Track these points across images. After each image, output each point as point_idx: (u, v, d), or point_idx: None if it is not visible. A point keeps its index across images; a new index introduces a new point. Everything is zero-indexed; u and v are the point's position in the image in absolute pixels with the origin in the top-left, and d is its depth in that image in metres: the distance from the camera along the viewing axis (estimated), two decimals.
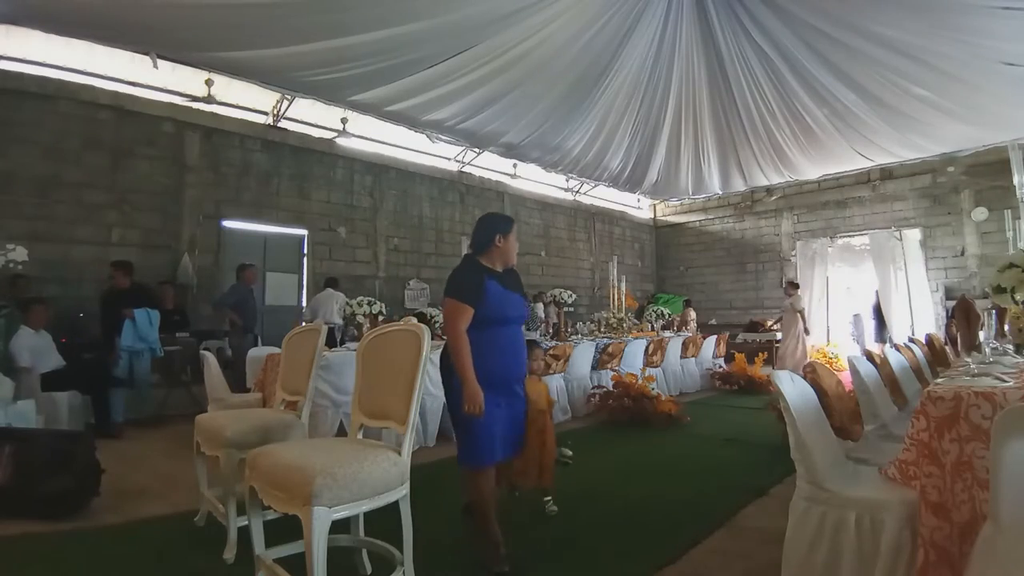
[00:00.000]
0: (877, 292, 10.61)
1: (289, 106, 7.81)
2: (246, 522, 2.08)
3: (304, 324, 3.33)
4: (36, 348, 4.87)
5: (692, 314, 11.11)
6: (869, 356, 3.34)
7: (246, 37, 5.95)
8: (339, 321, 7.22)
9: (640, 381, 5.84)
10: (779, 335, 11.26)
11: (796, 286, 9.79)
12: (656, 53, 7.74)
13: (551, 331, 7.29)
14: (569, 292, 6.93)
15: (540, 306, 9.28)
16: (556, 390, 5.89)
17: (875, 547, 1.70)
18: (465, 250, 6.47)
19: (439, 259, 9.95)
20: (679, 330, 9.53)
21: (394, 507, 1.90)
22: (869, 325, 10.84)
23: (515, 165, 10.82)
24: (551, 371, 5.81)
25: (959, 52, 6.32)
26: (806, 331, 9.16)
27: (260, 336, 6.84)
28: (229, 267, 7.40)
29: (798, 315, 9.16)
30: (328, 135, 8.57)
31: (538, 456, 2.91)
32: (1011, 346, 2.82)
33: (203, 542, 2.61)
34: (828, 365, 3.51)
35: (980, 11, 5.56)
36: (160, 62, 6.14)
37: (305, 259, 8.36)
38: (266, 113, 7.92)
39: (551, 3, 6.23)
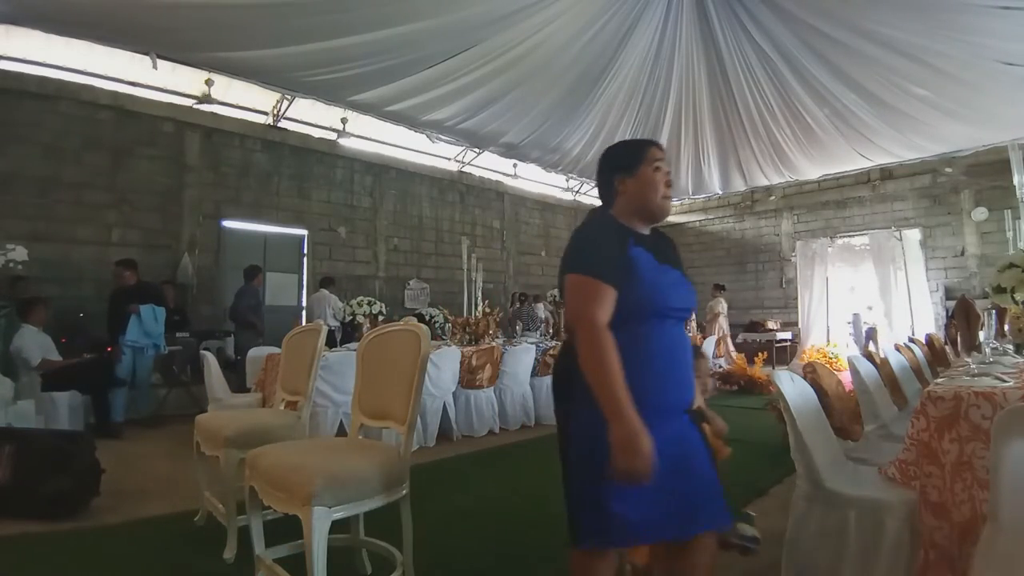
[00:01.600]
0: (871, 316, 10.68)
1: (289, 106, 7.81)
2: (246, 522, 2.08)
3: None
4: (40, 346, 4.88)
5: (723, 305, 10.31)
6: (869, 356, 3.34)
7: (246, 37, 5.96)
8: (333, 323, 7.22)
9: None
10: (779, 335, 11.32)
11: (719, 288, 10.34)
12: (656, 53, 7.74)
13: (551, 331, 7.28)
14: None
15: (541, 307, 9.29)
16: None
17: (875, 547, 1.70)
18: (464, 250, 6.54)
19: (439, 259, 9.95)
20: (707, 328, 9.61)
21: (394, 507, 1.89)
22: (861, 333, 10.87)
23: (515, 165, 10.82)
24: (551, 371, 5.80)
25: (959, 52, 6.32)
26: (705, 333, 9.56)
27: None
28: (229, 267, 7.40)
29: (716, 317, 9.75)
30: (328, 135, 8.58)
31: None
32: (1011, 346, 2.82)
33: (203, 542, 2.61)
34: (828, 365, 3.51)
35: (980, 11, 5.56)
36: (160, 62, 6.14)
37: (305, 259, 8.37)
38: (266, 113, 7.92)
39: (551, 3, 6.24)
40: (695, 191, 12.56)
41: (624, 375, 1.29)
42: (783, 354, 11.14)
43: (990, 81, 6.82)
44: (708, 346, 8.85)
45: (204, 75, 6.94)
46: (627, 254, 1.44)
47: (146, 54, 6.02)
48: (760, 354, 8.44)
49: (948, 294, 10.10)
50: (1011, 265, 2.73)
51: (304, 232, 8.34)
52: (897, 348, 3.95)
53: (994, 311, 2.82)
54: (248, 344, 6.13)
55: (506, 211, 11.28)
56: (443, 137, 8.89)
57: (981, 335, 2.90)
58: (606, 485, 1.31)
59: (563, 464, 1.47)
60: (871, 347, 5.95)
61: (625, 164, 1.56)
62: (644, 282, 1.42)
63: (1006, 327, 3.24)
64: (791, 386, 2.02)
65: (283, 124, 8.11)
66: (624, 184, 1.54)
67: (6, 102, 5.93)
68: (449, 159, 10.17)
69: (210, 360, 4.30)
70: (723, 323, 10.30)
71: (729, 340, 10.12)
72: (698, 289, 13.24)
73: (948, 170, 10.17)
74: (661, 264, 1.49)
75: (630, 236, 1.50)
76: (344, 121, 8.33)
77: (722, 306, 10.30)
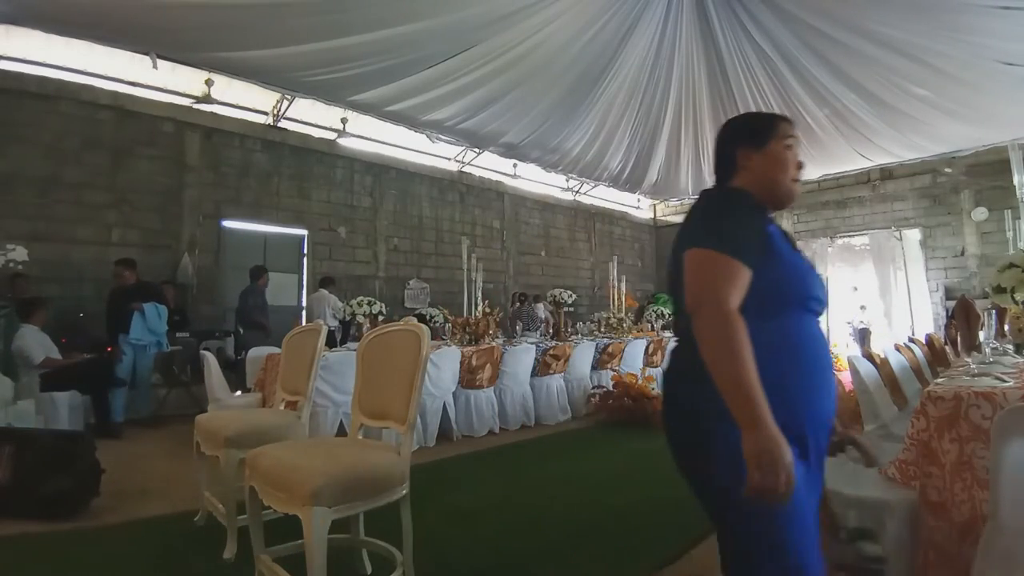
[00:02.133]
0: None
1: (289, 106, 7.81)
2: (246, 522, 2.07)
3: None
4: (42, 344, 4.88)
5: None
6: (869, 356, 3.34)
7: (246, 37, 5.96)
8: (333, 323, 7.21)
9: (640, 381, 5.84)
10: None
11: None
12: (656, 53, 7.74)
13: (551, 331, 7.29)
14: (569, 292, 6.93)
15: (541, 307, 9.29)
16: (556, 390, 5.89)
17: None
18: (464, 250, 6.53)
19: (439, 259, 9.95)
20: None
21: (394, 507, 1.89)
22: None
23: (515, 165, 10.82)
24: (551, 371, 5.81)
25: (959, 52, 6.32)
26: None
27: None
28: (229, 267, 7.40)
29: None
30: (328, 135, 8.58)
31: None
32: (1011, 346, 2.83)
33: (203, 542, 2.61)
34: None
35: (980, 11, 5.56)
36: (160, 62, 6.14)
37: (305, 259, 8.36)
38: (266, 113, 7.91)
39: (551, 3, 6.24)
40: (695, 191, 12.55)
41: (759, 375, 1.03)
42: None
43: (990, 81, 6.83)
44: None
45: (204, 75, 6.94)
46: (765, 231, 1.20)
47: (146, 54, 6.02)
48: None
49: (948, 294, 10.10)
50: (1011, 265, 2.73)
51: (304, 232, 8.33)
52: (897, 348, 3.95)
53: (994, 311, 2.82)
54: (256, 344, 6.11)
55: (506, 211, 11.28)
56: (443, 137, 8.89)
57: (981, 335, 2.90)
58: (785, 522, 1.07)
59: (705, 488, 1.20)
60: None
61: (752, 137, 1.33)
62: (786, 264, 1.20)
63: (1006, 327, 3.24)
64: None
65: (283, 124, 8.11)
66: (749, 159, 1.31)
67: (6, 102, 5.93)
68: (449, 159, 10.17)
69: (210, 360, 4.30)
70: None
71: None
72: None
73: (948, 170, 10.17)
74: (794, 251, 1.27)
75: (766, 211, 1.27)
76: (344, 121, 8.33)
77: None
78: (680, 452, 1.23)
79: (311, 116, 8.31)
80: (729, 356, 1.04)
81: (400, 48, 6.34)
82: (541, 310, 9.21)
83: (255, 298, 6.46)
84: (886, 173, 10.97)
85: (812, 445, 1.15)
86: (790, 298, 1.19)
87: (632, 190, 12.71)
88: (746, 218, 1.19)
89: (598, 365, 6.55)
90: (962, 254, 10.25)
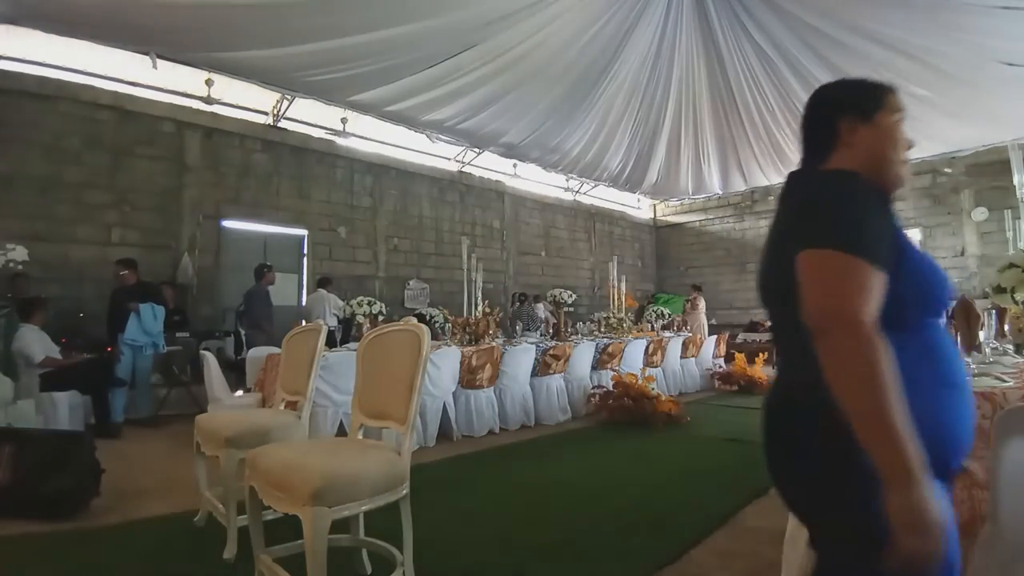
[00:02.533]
0: None
1: (289, 106, 7.81)
2: (246, 522, 2.07)
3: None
4: (42, 344, 4.88)
5: (701, 303, 11.12)
6: None
7: (246, 37, 5.97)
8: (332, 323, 7.20)
9: (640, 381, 5.83)
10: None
11: (697, 288, 11.29)
12: (656, 53, 7.75)
13: (551, 331, 7.29)
14: (569, 292, 6.93)
15: (541, 307, 9.29)
16: (556, 390, 5.89)
17: None
18: (464, 250, 6.53)
19: (439, 259, 9.95)
20: (679, 329, 9.54)
21: (394, 507, 1.89)
22: None
23: (515, 165, 10.82)
24: (551, 371, 5.81)
25: (959, 52, 6.33)
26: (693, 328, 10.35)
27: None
28: (229, 267, 7.40)
29: (697, 312, 10.86)
30: (328, 135, 8.58)
31: None
32: (1011, 346, 2.82)
33: (203, 542, 2.61)
34: None
35: (980, 11, 5.57)
36: (160, 62, 6.15)
37: (305, 259, 8.37)
38: (266, 113, 7.92)
39: (551, 3, 6.25)
40: (695, 191, 12.58)
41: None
42: None
43: (990, 81, 6.83)
44: (709, 346, 8.87)
45: (204, 75, 6.95)
46: (894, 223, 0.99)
47: (146, 54, 6.03)
48: (760, 354, 8.44)
49: None
50: (1011, 265, 2.73)
51: (304, 232, 8.34)
52: None
53: (994, 311, 2.82)
54: (261, 344, 6.09)
55: (506, 211, 11.28)
56: (443, 137, 8.90)
57: (981, 335, 2.90)
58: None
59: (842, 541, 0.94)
60: None
61: (860, 106, 1.09)
62: (921, 262, 0.99)
63: (1006, 327, 3.23)
64: None
65: (283, 124, 8.11)
66: (856, 133, 1.07)
67: (6, 102, 5.93)
68: (449, 159, 10.18)
69: (210, 360, 4.30)
70: (703, 320, 10.93)
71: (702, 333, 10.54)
72: (679, 290, 13.55)
73: (948, 170, 10.17)
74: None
75: (889, 199, 1.04)
76: (344, 121, 8.34)
77: (702, 303, 11.01)
78: (801, 495, 1.02)
79: (311, 116, 8.32)
80: (872, 389, 0.82)
81: (400, 48, 6.34)
82: (541, 310, 9.21)
83: (260, 301, 6.42)
84: None
85: (950, 476, 0.98)
86: (928, 305, 0.99)
87: (632, 190, 12.72)
88: (872, 209, 0.96)
89: (598, 365, 6.55)
90: (962, 254, 10.26)
